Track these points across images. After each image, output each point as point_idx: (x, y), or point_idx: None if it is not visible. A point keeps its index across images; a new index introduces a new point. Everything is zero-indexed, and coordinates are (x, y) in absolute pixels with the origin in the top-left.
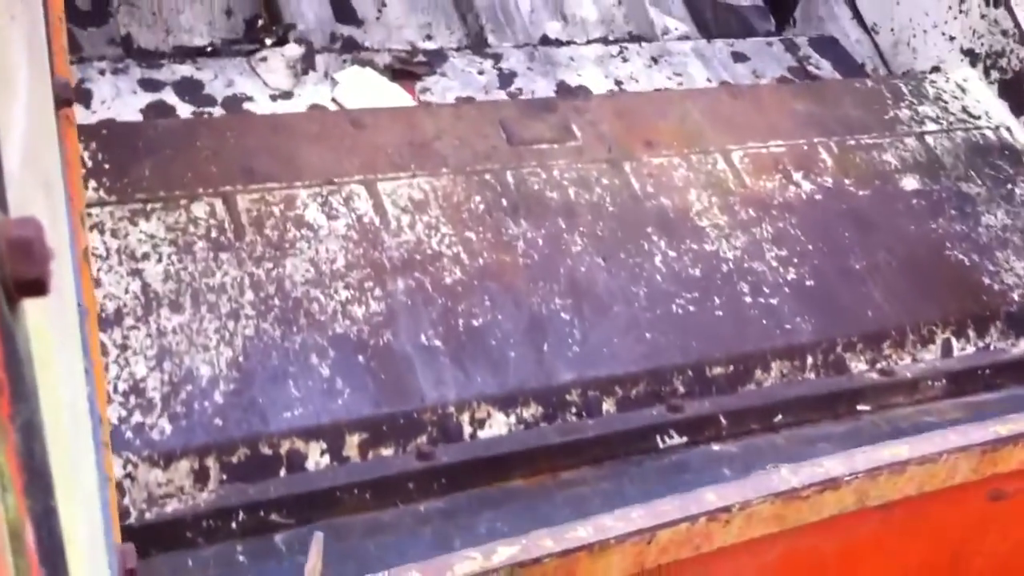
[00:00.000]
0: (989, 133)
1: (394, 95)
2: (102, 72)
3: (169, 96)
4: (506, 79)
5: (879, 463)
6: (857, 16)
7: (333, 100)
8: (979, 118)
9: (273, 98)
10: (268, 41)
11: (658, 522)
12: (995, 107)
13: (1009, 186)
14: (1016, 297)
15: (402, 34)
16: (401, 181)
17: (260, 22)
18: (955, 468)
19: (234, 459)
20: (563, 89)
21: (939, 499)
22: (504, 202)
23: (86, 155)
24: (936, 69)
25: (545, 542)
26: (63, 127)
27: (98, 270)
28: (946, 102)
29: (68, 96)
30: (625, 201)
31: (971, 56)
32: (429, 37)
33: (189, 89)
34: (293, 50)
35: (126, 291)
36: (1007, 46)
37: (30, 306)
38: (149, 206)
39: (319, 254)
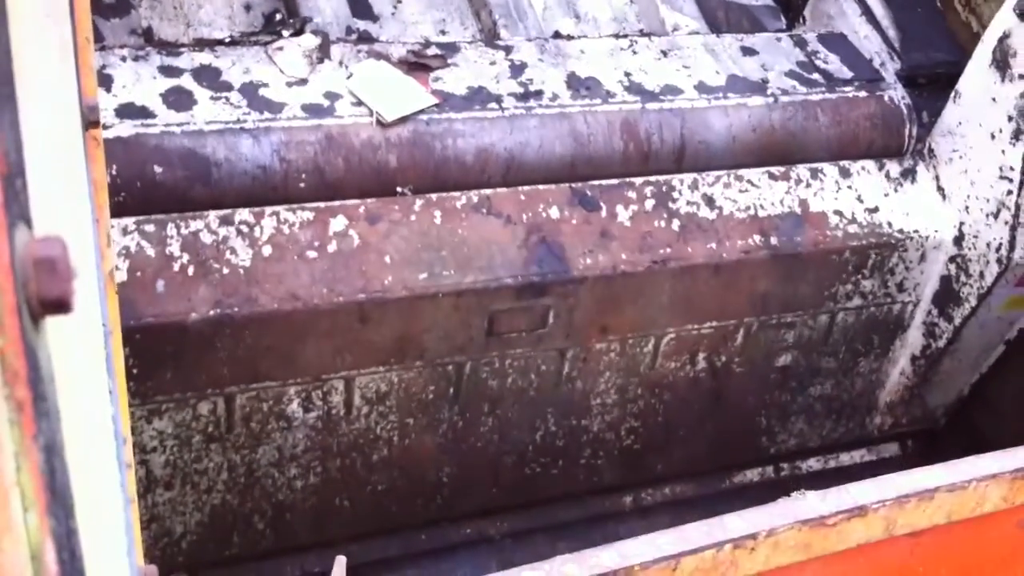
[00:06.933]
0: (896, 309)
1: (407, 87)
2: (123, 59)
3: (188, 82)
4: (517, 70)
5: (908, 490)
6: (867, 12)
7: (348, 90)
8: (905, 291)
9: (289, 85)
10: (285, 33)
11: (683, 548)
12: (934, 284)
13: (859, 360)
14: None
15: (417, 30)
16: (378, 375)
17: (278, 16)
18: (985, 496)
19: None
20: (573, 80)
21: (969, 528)
22: (451, 391)
23: None
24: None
25: (568, 568)
26: (90, 148)
27: None
28: (893, 274)
29: (95, 118)
30: (546, 387)
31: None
32: (443, 32)
33: (207, 76)
34: (309, 40)
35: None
36: None
37: (54, 325)
38: (164, 406)
39: (287, 441)
